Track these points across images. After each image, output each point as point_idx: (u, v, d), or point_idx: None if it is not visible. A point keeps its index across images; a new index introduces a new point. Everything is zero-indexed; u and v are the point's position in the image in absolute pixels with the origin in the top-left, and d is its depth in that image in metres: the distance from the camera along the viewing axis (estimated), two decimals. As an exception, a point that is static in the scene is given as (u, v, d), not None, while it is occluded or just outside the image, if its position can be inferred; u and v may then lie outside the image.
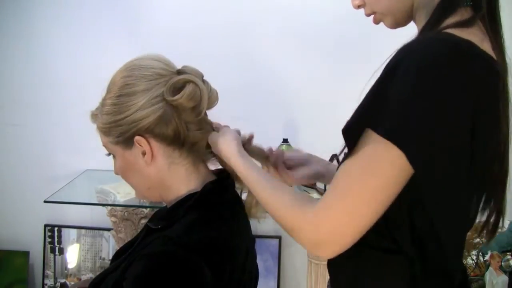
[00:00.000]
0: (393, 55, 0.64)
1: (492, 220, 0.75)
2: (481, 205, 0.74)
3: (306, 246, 0.66)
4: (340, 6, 1.84)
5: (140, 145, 0.77)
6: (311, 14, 1.91)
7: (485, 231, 0.76)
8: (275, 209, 0.70)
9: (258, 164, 0.85)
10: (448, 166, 0.61)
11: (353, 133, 0.64)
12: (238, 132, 0.84)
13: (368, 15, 0.80)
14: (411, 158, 0.59)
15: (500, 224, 0.77)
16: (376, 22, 0.80)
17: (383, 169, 0.60)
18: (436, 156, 0.59)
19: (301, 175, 0.94)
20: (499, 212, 0.74)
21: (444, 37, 0.63)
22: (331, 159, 1.83)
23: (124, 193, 1.73)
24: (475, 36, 0.65)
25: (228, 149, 0.78)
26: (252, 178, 0.75)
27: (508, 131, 0.69)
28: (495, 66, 0.65)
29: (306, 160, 0.96)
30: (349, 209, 0.61)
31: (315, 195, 1.76)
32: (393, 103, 0.59)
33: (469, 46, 0.62)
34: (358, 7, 0.80)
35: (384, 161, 0.60)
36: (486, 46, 0.65)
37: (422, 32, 0.71)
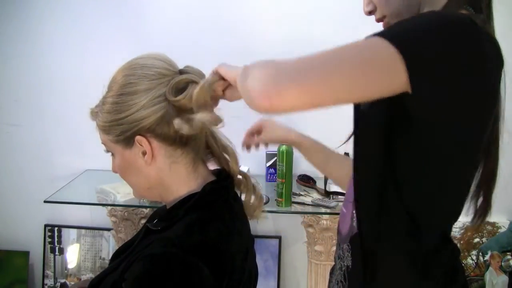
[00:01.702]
0: None
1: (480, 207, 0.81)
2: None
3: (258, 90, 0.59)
4: (346, 11, 1.85)
5: (141, 145, 0.76)
6: (312, 14, 1.91)
7: (476, 218, 0.82)
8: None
9: None
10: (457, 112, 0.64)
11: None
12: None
13: (378, 20, 0.82)
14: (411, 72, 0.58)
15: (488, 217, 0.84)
16: (386, 26, 0.81)
17: (374, 60, 0.58)
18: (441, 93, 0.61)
19: (269, 136, 1.06)
20: (488, 202, 0.81)
21: (459, 14, 0.66)
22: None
23: (124, 193, 1.73)
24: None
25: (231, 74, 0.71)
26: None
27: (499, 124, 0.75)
28: (500, 51, 0.69)
29: (265, 127, 1.05)
30: (307, 76, 0.57)
31: (315, 195, 1.76)
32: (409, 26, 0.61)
33: (479, 28, 0.64)
34: (370, 13, 0.82)
35: (378, 53, 0.58)
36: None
37: None
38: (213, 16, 1.94)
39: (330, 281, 0.96)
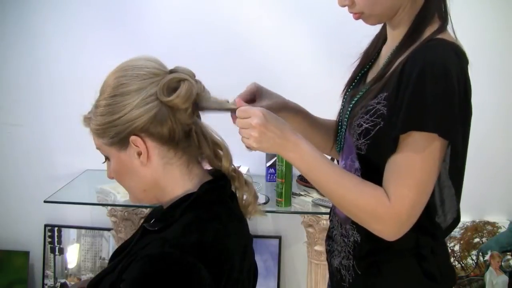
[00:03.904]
0: (405, 63, 0.80)
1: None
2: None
3: (388, 234, 0.80)
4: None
5: (136, 145, 0.76)
6: (312, 13, 1.91)
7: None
8: (354, 203, 0.81)
9: None
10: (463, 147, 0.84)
11: (397, 136, 0.79)
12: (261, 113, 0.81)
13: (353, 13, 0.87)
14: (454, 141, 0.78)
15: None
16: (358, 19, 0.88)
17: (432, 155, 0.77)
18: (465, 136, 0.82)
19: (266, 104, 0.99)
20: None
21: (443, 43, 0.81)
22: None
23: (124, 193, 1.73)
24: (449, 35, 0.85)
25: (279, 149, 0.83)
26: (322, 171, 0.83)
27: None
28: (467, 58, 0.83)
29: (259, 95, 0.99)
30: (417, 196, 0.78)
31: (315, 195, 1.76)
32: (431, 106, 0.76)
33: (459, 49, 0.82)
34: (344, 5, 0.87)
35: (434, 148, 0.77)
36: (458, 42, 0.85)
37: (409, 38, 0.86)
38: (212, 16, 1.94)
39: (330, 265, 1.00)
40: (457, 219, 0.91)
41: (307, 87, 1.93)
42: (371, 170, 0.86)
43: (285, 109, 1.02)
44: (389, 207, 0.78)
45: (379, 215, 0.79)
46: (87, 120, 0.81)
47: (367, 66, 1.00)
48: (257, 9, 1.93)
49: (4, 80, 2.08)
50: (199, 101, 0.80)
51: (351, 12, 0.88)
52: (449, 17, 0.88)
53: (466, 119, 0.82)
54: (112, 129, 0.76)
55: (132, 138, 0.76)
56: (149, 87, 0.76)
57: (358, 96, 0.92)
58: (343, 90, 1.02)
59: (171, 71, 0.80)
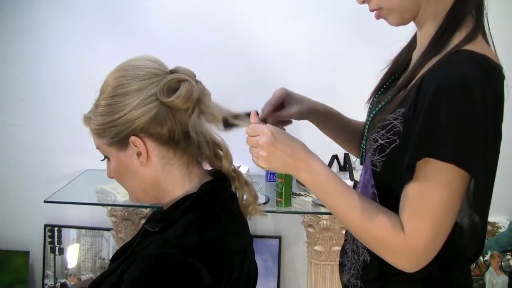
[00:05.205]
0: (424, 78, 0.72)
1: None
2: None
3: (401, 266, 0.74)
4: (341, 6, 1.85)
5: (136, 146, 0.76)
6: (311, 14, 1.91)
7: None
8: (365, 231, 0.76)
9: None
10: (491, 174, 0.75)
11: (412, 163, 0.71)
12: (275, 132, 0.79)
13: (372, 10, 0.80)
14: (474, 173, 0.69)
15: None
16: (379, 18, 0.80)
17: (451, 186, 0.70)
18: (488, 166, 0.72)
19: (287, 115, 0.96)
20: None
21: (470, 56, 0.71)
22: (331, 160, 1.83)
23: (124, 193, 1.73)
24: (483, 45, 0.74)
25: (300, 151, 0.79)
26: (333, 194, 0.78)
27: None
28: (503, 73, 0.74)
29: (288, 101, 0.96)
30: (434, 229, 0.71)
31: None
32: (446, 130, 0.67)
33: (488, 63, 0.71)
34: (363, 2, 0.80)
35: (452, 179, 0.69)
36: (491, 53, 0.74)
37: (436, 44, 0.76)
38: (211, 16, 1.94)
39: (341, 278, 0.97)
40: (479, 251, 0.83)
41: (307, 85, 1.92)
42: (387, 189, 0.80)
43: (315, 114, 0.99)
44: (402, 240, 0.71)
45: (392, 248, 0.73)
46: (87, 119, 0.81)
47: (398, 73, 0.90)
48: (258, 8, 1.93)
49: (4, 80, 2.08)
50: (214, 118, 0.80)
51: (371, 10, 0.80)
52: (485, 20, 0.77)
53: (493, 146, 0.72)
54: (112, 129, 0.76)
55: (132, 138, 0.76)
56: (149, 87, 0.75)
57: (380, 105, 0.85)
58: (369, 98, 0.94)
59: (172, 72, 0.80)
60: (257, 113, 0.90)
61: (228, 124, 0.82)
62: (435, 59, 0.74)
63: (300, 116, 0.98)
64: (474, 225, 0.79)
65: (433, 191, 0.70)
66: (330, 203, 0.78)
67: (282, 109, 0.95)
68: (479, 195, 0.74)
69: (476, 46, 0.72)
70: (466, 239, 0.79)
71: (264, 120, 0.89)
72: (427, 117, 0.69)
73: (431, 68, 0.73)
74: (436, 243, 0.72)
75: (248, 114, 0.83)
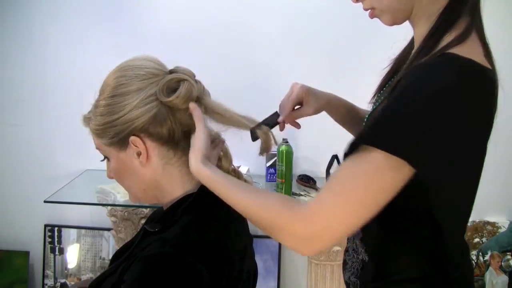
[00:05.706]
0: (406, 74, 0.71)
1: None
2: None
3: (295, 243, 0.69)
4: (340, 7, 1.85)
5: (135, 146, 0.76)
6: (310, 15, 1.91)
7: None
8: (258, 210, 0.72)
9: None
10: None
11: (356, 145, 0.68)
12: (213, 137, 0.83)
13: (366, 9, 0.80)
14: (414, 163, 0.64)
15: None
16: (372, 17, 0.80)
17: (380, 174, 0.65)
18: (452, 166, 0.67)
19: (304, 114, 0.98)
20: None
21: (452, 61, 0.68)
22: (332, 160, 1.83)
23: (124, 193, 1.73)
24: (471, 48, 0.71)
25: (191, 162, 0.77)
26: (223, 183, 0.75)
27: None
28: (492, 77, 0.71)
29: (306, 100, 0.98)
30: (341, 210, 0.65)
31: (315, 195, 1.76)
32: (395, 124, 0.65)
33: (472, 67, 0.68)
34: (357, 1, 0.80)
35: (381, 167, 0.65)
36: (480, 56, 0.71)
37: (426, 45, 0.74)
38: (212, 18, 1.94)
39: (344, 273, 0.98)
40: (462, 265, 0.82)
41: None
42: None
43: (327, 109, 1.03)
44: (298, 210, 0.67)
45: (282, 223, 0.69)
46: (86, 120, 0.81)
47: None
48: (258, 10, 1.93)
49: (4, 80, 2.08)
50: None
51: (364, 9, 0.80)
52: (480, 20, 0.75)
53: (465, 149, 0.68)
54: (112, 129, 0.76)
55: (132, 138, 0.76)
56: (148, 87, 0.75)
57: (375, 106, 0.86)
58: (372, 97, 0.94)
59: (171, 71, 0.80)
60: (278, 114, 0.94)
61: (255, 137, 0.86)
62: (424, 59, 0.73)
63: (315, 113, 1.01)
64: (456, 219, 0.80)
65: (360, 173, 0.66)
66: (223, 193, 0.76)
67: (300, 107, 0.98)
68: (438, 190, 0.70)
69: (463, 49, 0.70)
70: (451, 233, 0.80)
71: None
72: (385, 108, 0.68)
73: (410, 69, 0.72)
74: (338, 226, 0.66)
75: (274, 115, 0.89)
